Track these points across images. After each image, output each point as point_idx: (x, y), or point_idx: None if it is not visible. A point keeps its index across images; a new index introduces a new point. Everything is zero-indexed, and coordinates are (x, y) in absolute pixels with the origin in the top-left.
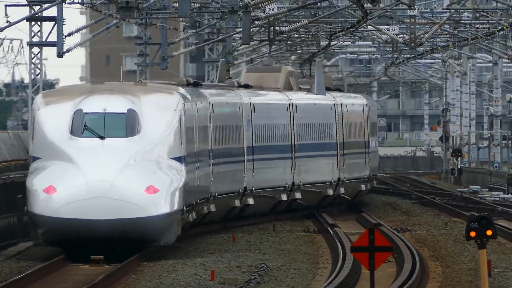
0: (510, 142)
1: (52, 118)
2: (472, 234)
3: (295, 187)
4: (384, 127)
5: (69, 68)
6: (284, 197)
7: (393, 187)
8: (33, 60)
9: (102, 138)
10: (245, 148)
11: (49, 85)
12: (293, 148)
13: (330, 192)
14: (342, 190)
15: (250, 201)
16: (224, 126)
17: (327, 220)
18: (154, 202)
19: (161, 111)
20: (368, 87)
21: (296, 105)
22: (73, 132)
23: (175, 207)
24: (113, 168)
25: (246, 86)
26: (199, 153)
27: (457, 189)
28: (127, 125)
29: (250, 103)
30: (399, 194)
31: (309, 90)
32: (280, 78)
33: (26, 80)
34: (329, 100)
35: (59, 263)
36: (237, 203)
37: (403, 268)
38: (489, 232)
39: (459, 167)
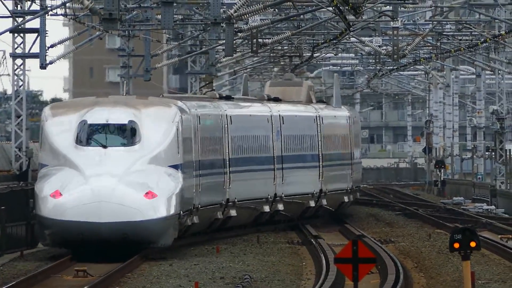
0: (493, 153)
1: (59, 129)
2: (456, 245)
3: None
4: (367, 138)
5: (52, 79)
6: (346, 198)
7: (376, 198)
8: (16, 72)
9: (104, 147)
10: (275, 157)
11: (32, 97)
12: (320, 157)
13: (346, 199)
14: (354, 197)
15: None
16: (244, 136)
17: (310, 231)
18: (152, 206)
19: (159, 122)
20: (351, 99)
21: (322, 118)
22: (78, 141)
23: (172, 211)
24: (114, 175)
25: (276, 100)
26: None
27: (441, 200)
28: (128, 135)
29: (280, 115)
30: (383, 206)
31: (327, 103)
32: (302, 91)
33: (9, 92)
34: (345, 113)
35: (42, 275)
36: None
37: (386, 279)
38: (472, 244)
39: (442, 178)
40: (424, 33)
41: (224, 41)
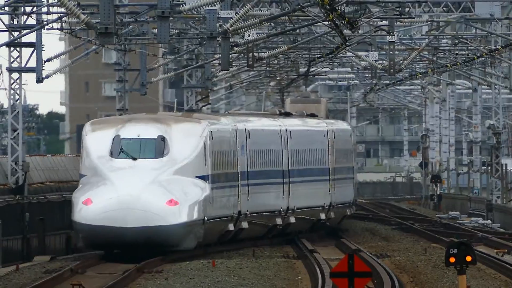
0: (489, 168)
1: (96, 143)
2: (452, 260)
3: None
4: (363, 153)
5: (48, 93)
6: (348, 211)
7: (372, 213)
8: (13, 86)
9: (134, 159)
10: (329, 169)
11: (29, 111)
12: (354, 170)
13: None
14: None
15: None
16: (302, 150)
17: (306, 245)
18: (173, 213)
19: (187, 137)
20: (347, 113)
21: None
22: (111, 154)
23: (194, 217)
24: (140, 184)
25: (313, 116)
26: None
27: (437, 215)
28: (156, 148)
29: (332, 130)
30: (379, 220)
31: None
32: (321, 108)
33: (6, 105)
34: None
35: None
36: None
37: None
38: (468, 258)
39: (438, 193)
40: (421, 47)
41: (220, 55)
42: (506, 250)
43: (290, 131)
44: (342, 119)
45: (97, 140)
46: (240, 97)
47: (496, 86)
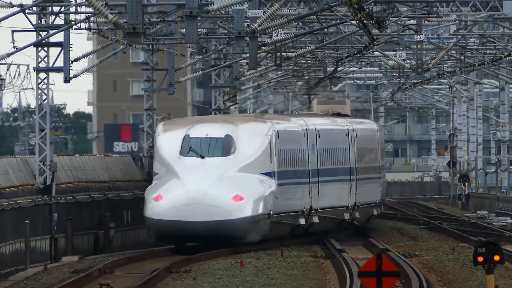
0: None
1: (167, 142)
2: (480, 259)
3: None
4: (391, 152)
5: (76, 93)
6: (375, 212)
7: (400, 212)
8: (40, 86)
9: (202, 157)
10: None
11: (56, 110)
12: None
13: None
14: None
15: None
16: (365, 148)
17: (334, 245)
18: (238, 208)
19: (253, 136)
20: (375, 112)
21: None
22: (181, 152)
23: (259, 211)
24: (208, 181)
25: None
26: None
27: (465, 214)
28: (224, 147)
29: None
30: (407, 220)
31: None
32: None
33: (33, 105)
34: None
35: None
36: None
37: None
38: (496, 257)
39: (466, 192)
40: (448, 47)
41: (248, 54)
42: None
43: (356, 131)
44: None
45: (168, 140)
46: (268, 97)
47: None
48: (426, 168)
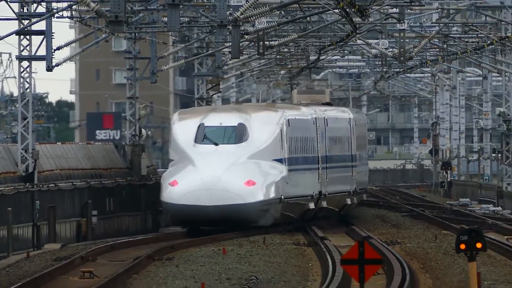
0: (499, 155)
1: (183, 130)
2: (462, 246)
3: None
4: (374, 140)
5: (58, 81)
6: (365, 196)
7: (383, 200)
8: (23, 74)
9: (216, 144)
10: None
11: (38, 99)
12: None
13: (365, 197)
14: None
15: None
16: (361, 136)
17: (317, 233)
18: (251, 192)
19: (265, 124)
20: (358, 101)
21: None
22: (196, 140)
23: (271, 196)
24: (221, 167)
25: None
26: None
27: (447, 202)
28: (237, 135)
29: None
30: (389, 207)
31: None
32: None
33: (16, 94)
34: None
35: (48, 276)
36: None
37: (393, 280)
38: (478, 245)
39: (449, 180)
40: (431, 35)
41: (230, 43)
42: None
43: (355, 120)
44: (345, 106)
45: (183, 128)
46: (251, 86)
47: (506, 74)
48: (409, 156)
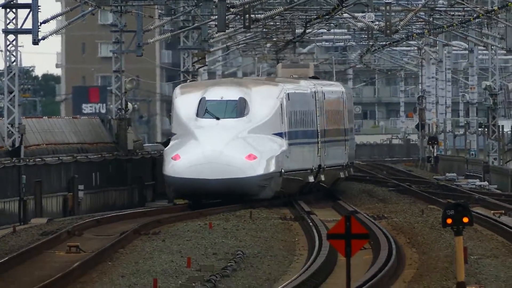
0: (486, 129)
1: (184, 104)
2: (449, 221)
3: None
4: (360, 114)
5: (44, 55)
6: (352, 170)
7: (369, 174)
8: (9, 47)
9: (217, 118)
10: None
11: (25, 72)
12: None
13: (352, 171)
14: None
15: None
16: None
17: (303, 207)
18: (252, 166)
19: (266, 98)
20: (344, 74)
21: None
22: (197, 114)
23: (271, 170)
24: (223, 141)
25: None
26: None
27: (434, 176)
28: (238, 109)
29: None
30: (376, 182)
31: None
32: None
33: (1, 67)
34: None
35: (35, 250)
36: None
37: (379, 255)
38: (465, 219)
39: (435, 154)
40: (417, 8)
41: (216, 16)
42: (503, 211)
43: (346, 94)
44: (338, 80)
45: (185, 102)
46: (237, 59)
47: (492, 47)
48: (395, 130)
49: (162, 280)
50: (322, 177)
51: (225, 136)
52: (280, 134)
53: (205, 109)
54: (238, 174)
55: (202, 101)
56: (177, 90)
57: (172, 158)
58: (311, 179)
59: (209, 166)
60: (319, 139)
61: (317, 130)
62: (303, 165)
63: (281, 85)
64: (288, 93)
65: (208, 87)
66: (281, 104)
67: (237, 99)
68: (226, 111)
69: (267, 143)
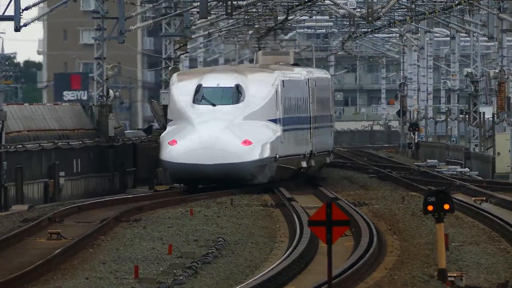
0: (467, 116)
1: (181, 91)
2: (430, 208)
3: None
4: (342, 101)
5: (26, 42)
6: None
7: (350, 161)
8: None
9: (214, 105)
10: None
11: (6, 59)
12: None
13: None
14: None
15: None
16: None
17: (284, 194)
18: (247, 151)
19: (261, 85)
20: (325, 61)
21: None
22: (194, 101)
23: (266, 155)
24: (219, 127)
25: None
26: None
27: (415, 163)
28: (233, 95)
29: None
30: (357, 168)
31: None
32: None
33: None
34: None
35: (16, 237)
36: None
37: (360, 242)
38: (446, 206)
39: (416, 141)
40: None
41: (198, 3)
42: (484, 198)
43: (331, 81)
44: (319, 67)
45: (182, 89)
46: (219, 46)
47: (474, 34)
48: (376, 117)
49: (143, 267)
50: (312, 163)
51: (221, 122)
52: (275, 121)
53: (201, 96)
54: (234, 159)
55: (198, 88)
56: (174, 77)
57: (169, 143)
58: (304, 164)
59: (205, 152)
60: (311, 125)
61: (310, 116)
62: (296, 150)
63: (276, 73)
64: (283, 80)
65: (204, 74)
66: (276, 91)
67: (233, 86)
68: (222, 97)
69: (262, 129)
